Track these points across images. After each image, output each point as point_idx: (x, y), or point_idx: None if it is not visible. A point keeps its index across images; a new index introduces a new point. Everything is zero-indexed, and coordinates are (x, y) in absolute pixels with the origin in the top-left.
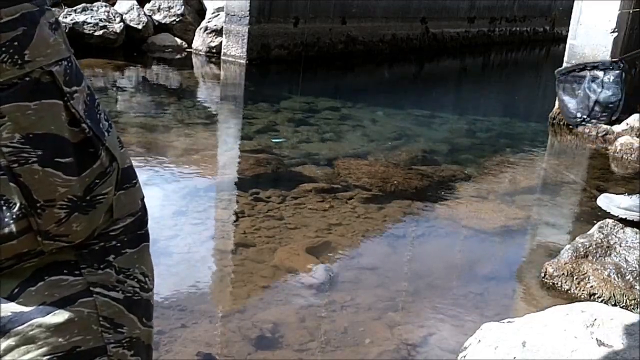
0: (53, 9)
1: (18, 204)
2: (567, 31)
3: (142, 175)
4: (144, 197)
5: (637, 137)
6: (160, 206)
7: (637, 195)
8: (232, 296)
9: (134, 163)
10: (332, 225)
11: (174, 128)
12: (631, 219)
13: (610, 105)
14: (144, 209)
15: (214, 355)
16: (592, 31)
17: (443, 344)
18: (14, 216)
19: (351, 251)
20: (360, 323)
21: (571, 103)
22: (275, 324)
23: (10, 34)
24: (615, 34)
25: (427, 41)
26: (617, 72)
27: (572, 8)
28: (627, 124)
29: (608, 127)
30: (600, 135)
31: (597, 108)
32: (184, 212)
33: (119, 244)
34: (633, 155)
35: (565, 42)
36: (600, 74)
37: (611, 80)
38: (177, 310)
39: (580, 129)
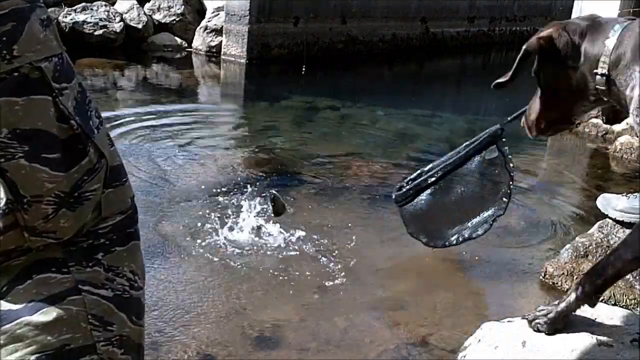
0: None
1: (4, 200)
2: None
3: (141, 175)
4: (134, 195)
5: (637, 136)
6: (160, 206)
7: (635, 196)
8: (232, 296)
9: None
10: (332, 225)
11: (174, 127)
12: (628, 220)
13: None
14: (133, 207)
15: (214, 355)
16: None
17: (443, 344)
18: (0, 211)
19: (351, 251)
20: (360, 323)
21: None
22: (275, 324)
23: None
24: None
25: (427, 41)
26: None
27: (572, 8)
28: (627, 123)
29: (608, 126)
30: (600, 134)
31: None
32: (184, 212)
33: (107, 242)
34: (633, 155)
35: None
36: (477, 157)
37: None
38: (177, 310)
39: (579, 128)
